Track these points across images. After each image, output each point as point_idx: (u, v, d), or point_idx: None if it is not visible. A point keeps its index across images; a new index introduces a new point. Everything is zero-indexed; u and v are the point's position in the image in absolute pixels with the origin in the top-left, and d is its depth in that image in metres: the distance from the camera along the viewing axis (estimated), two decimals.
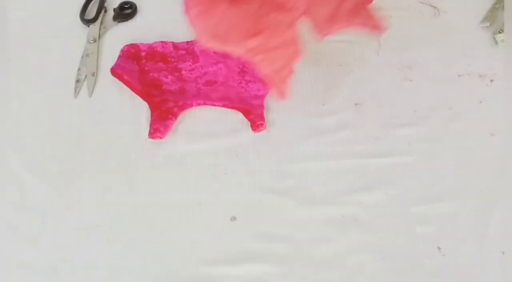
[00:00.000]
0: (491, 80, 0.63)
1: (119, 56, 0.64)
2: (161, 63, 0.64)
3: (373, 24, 0.50)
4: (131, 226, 0.53)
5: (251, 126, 0.58)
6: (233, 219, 0.53)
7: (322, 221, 0.53)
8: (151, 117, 0.59)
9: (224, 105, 0.60)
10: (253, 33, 0.43)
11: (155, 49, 0.65)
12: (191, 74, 0.63)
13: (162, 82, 0.62)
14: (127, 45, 0.65)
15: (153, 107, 0.59)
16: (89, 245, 0.51)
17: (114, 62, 0.63)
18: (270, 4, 0.43)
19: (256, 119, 0.58)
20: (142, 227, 0.53)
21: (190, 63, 0.64)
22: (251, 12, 0.43)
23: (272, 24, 0.44)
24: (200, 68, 0.63)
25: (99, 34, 0.68)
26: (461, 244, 0.51)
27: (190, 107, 0.60)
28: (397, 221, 0.53)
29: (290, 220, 0.53)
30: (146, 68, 0.63)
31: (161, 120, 0.58)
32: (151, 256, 0.51)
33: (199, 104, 0.60)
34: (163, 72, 0.63)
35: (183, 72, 0.63)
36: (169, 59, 0.65)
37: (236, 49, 0.45)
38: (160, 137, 0.58)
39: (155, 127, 0.58)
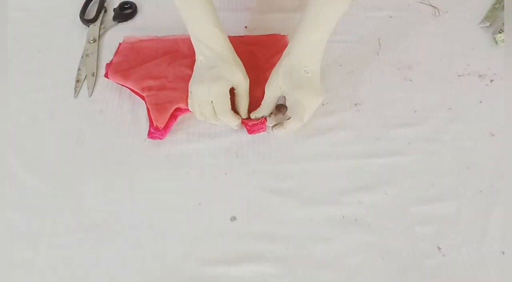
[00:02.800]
0: (491, 80, 0.63)
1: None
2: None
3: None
4: (131, 226, 0.53)
5: (247, 129, 0.59)
6: (233, 219, 0.53)
7: (322, 221, 0.53)
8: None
9: None
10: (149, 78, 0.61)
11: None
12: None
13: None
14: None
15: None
16: (89, 245, 0.51)
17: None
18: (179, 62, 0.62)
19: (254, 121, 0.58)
20: (142, 227, 0.53)
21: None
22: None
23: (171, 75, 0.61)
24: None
25: (99, 34, 0.68)
26: (461, 244, 0.51)
27: (190, 111, 0.60)
28: (397, 221, 0.53)
29: (290, 220, 0.53)
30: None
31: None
32: (151, 256, 0.51)
33: None
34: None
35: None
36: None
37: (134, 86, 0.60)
38: (160, 138, 0.58)
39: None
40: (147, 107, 0.59)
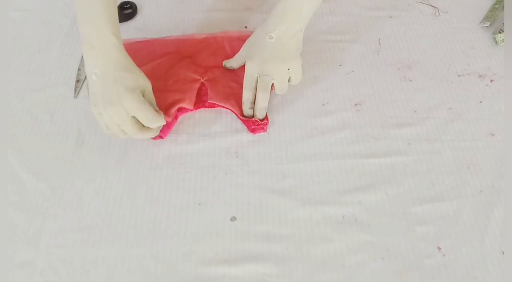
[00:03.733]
0: (491, 80, 0.63)
1: None
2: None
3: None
4: (131, 225, 0.53)
5: (248, 129, 0.59)
6: (233, 219, 0.53)
7: (322, 220, 0.53)
8: None
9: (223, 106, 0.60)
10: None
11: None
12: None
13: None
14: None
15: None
16: (89, 244, 0.51)
17: None
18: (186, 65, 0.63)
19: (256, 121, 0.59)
20: (141, 227, 0.53)
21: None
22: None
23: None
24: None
25: None
26: (461, 244, 0.51)
27: (191, 111, 0.60)
28: (397, 221, 0.53)
29: (290, 220, 0.53)
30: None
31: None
32: (151, 256, 0.51)
33: (199, 107, 0.60)
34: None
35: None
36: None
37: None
38: (161, 137, 0.58)
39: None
40: None
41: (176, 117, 0.59)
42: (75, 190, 0.55)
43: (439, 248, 0.51)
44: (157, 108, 0.55)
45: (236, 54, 0.62)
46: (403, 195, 0.54)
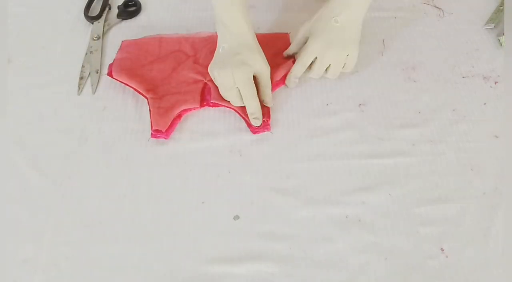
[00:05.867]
0: (495, 82, 0.63)
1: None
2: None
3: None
4: (134, 223, 0.52)
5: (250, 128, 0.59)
6: (236, 218, 0.53)
7: (325, 221, 0.53)
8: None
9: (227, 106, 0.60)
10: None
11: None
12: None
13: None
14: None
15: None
16: (92, 242, 0.51)
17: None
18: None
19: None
20: (145, 225, 0.52)
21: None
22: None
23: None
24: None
25: (103, 31, 0.68)
26: (464, 246, 0.51)
27: (194, 109, 0.60)
28: (400, 222, 0.53)
29: (293, 220, 0.53)
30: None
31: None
32: (154, 254, 0.51)
33: (203, 106, 0.60)
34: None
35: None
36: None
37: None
38: (164, 138, 0.57)
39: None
40: (150, 110, 0.59)
41: (179, 116, 0.59)
42: (79, 187, 0.55)
43: (442, 249, 0.51)
44: (270, 96, 0.59)
45: (295, 38, 0.63)
46: (407, 195, 0.54)
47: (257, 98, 0.57)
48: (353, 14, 0.57)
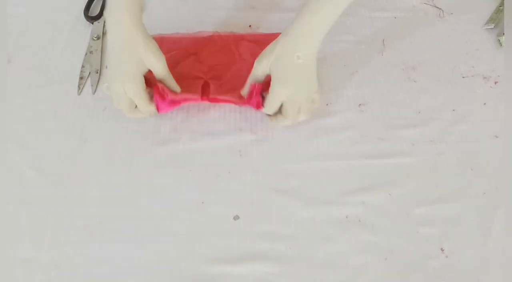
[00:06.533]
0: (495, 82, 0.63)
1: None
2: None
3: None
4: (134, 224, 0.52)
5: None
6: (236, 218, 0.53)
7: (325, 221, 0.53)
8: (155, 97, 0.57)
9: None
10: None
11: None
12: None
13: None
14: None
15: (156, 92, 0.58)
16: (92, 242, 0.51)
17: None
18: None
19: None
20: (144, 225, 0.52)
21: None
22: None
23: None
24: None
25: (103, 31, 0.68)
26: (464, 246, 0.51)
27: (194, 101, 0.59)
28: (400, 222, 0.53)
29: (293, 220, 0.53)
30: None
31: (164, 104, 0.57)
32: (154, 254, 0.51)
33: (203, 100, 0.59)
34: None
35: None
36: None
37: None
38: (164, 109, 0.57)
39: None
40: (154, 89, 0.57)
41: (179, 102, 0.58)
42: (79, 187, 0.55)
43: (442, 250, 0.51)
44: (175, 89, 0.56)
45: (251, 75, 0.56)
46: (407, 195, 0.54)
47: (148, 103, 0.55)
48: (314, 46, 0.53)
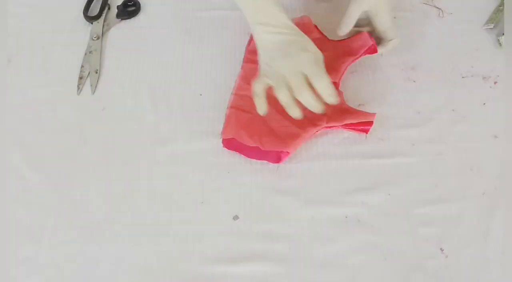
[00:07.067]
0: (495, 82, 0.63)
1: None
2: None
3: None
4: (134, 223, 0.53)
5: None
6: (236, 218, 0.53)
7: (325, 221, 0.53)
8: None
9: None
10: None
11: None
12: None
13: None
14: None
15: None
16: (91, 242, 0.51)
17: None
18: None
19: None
20: (144, 225, 0.52)
21: None
22: None
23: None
24: None
25: (102, 31, 0.68)
26: (464, 246, 0.51)
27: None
28: (400, 222, 0.53)
29: (292, 220, 0.53)
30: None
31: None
32: (153, 254, 0.51)
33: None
34: None
35: None
36: None
37: None
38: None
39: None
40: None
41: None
42: (78, 187, 0.55)
43: (441, 250, 0.51)
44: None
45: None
46: (406, 195, 0.54)
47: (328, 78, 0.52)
48: None
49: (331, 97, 0.52)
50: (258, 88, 0.54)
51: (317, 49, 0.54)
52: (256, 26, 0.54)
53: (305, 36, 0.54)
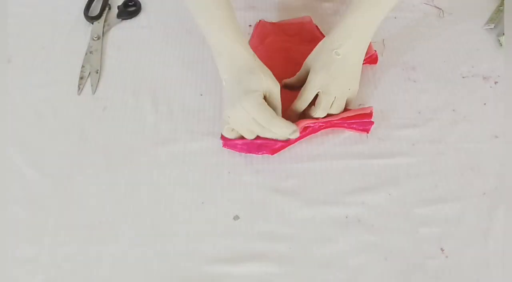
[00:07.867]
0: (495, 82, 0.63)
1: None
2: None
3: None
4: (134, 224, 0.53)
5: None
6: (236, 218, 0.53)
7: (325, 221, 0.53)
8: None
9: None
10: None
11: None
12: None
13: None
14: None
15: None
16: (92, 242, 0.51)
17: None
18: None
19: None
20: (144, 225, 0.52)
21: None
22: None
23: None
24: None
25: (103, 31, 0.68)
26: (464, 246, 0.51)
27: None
28: (400, 222, 0.53)
29: (293, 220, 0.53)
30: None
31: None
32: (154, 254, 0.51)
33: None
34: None
35: None
36: None
37: None
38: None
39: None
40: None
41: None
42: (78, 186, 0.55)
43: (442, 250, 0.51)
44: (280, 114, 0.54)
45: (297, 74, 0.59)
46: (407, 196, 0.54)
47: (280, 120, 0.52)
48: (354, 46, 0.55)
49: (290, 135, 0.53)
50: (231, 136, 0.56)
51: (269, 82, 0.52)
52: (216, 58, 0.54)
53: (257, 71, 0.52)
